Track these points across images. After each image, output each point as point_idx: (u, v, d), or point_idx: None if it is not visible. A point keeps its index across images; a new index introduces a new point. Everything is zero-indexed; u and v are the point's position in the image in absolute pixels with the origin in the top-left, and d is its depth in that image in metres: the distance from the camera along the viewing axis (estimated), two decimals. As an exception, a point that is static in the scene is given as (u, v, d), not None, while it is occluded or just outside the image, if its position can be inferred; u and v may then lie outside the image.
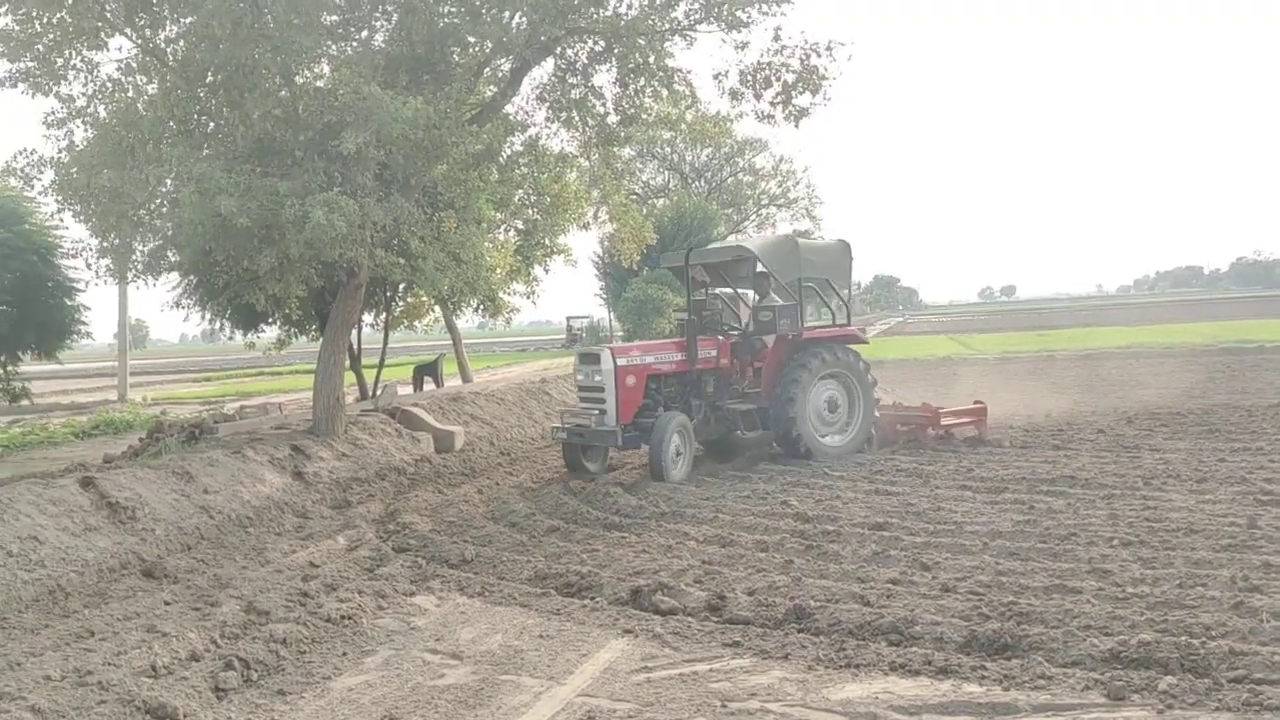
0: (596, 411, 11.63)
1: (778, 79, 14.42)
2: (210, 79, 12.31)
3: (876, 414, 13.05)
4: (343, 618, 6.57)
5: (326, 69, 13.47)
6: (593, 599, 6.82)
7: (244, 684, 5.48)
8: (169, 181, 11.34)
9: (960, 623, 5.70)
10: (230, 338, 18.52)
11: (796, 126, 14.60)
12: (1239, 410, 14.65)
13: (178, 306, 15.41)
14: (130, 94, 13.14)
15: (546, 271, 19.79)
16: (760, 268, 13.30)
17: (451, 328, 23.25)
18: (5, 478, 9.92)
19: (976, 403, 13.74)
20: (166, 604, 7.15)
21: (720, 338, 12.75)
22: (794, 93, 14.40)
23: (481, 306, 19.24)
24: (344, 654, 6.00)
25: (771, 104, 14.65)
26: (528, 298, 19.89)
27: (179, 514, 9.41)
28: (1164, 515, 8.10)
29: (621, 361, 11.66)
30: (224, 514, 9.84)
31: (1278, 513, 7.99)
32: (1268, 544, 7.04)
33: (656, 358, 12.08)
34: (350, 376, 15.69)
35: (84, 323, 15.13)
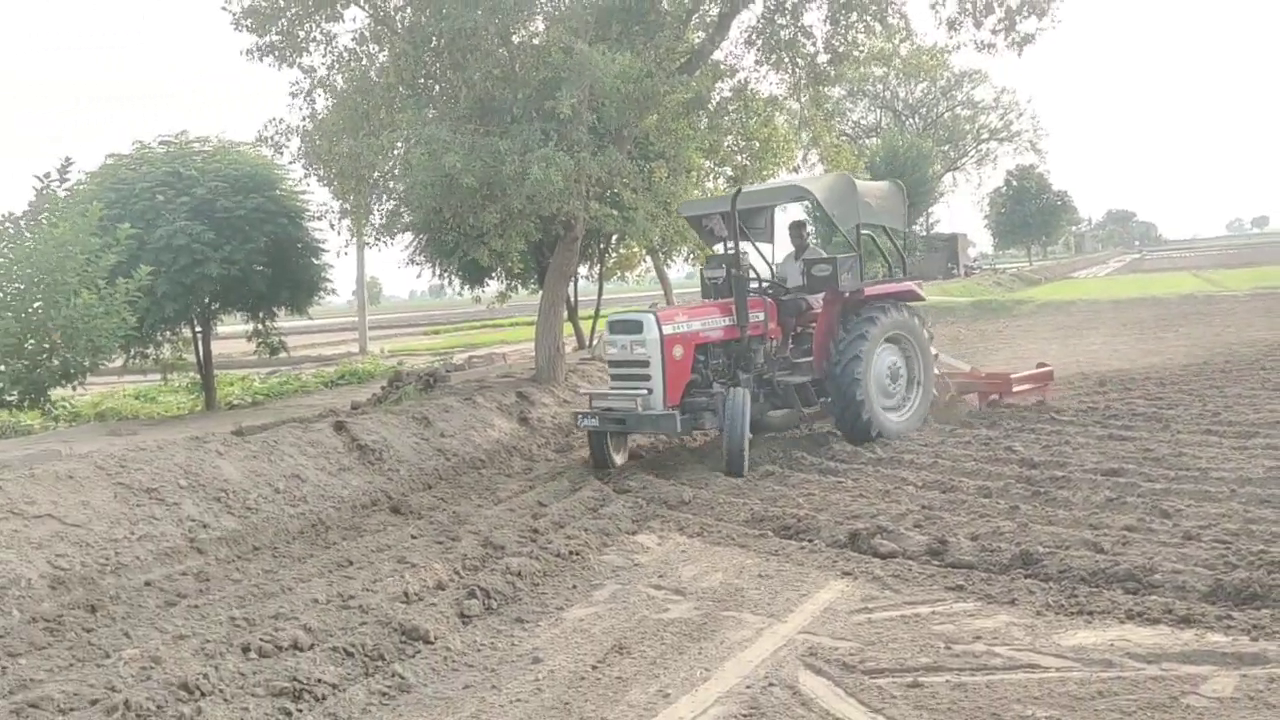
0: (643, 391, 9.59)
1: (1000, 4, 13.74)
2: (434, 43, 12.91)
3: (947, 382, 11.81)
4: (570, 553, 6.92)
5: (541, 26, 13.85)
6: (810, 541, 6.87)
7: (485, 611, 5.89)
8: (400, 144, 12.01)
9: (1204, 571, 5.40)
10: (459, 293, 19.55)
11: (1020, 55, 13.86)
12: None
13: (411, 264, 16.44)
14: (364, 63, 13.99)
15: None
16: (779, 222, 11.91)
17: (662, 277, 23.58)
18: (270, 422, 10.92)
19: (1041, 365, 12.74)
20: (413, 538, 7.75)
21: (766, 299, 10.78)
22: (1018, 17, 13.68)
23: (692, 255, 19.44)
24: (574, 587, 6.34)
25: (993, 31, 13.99)
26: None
27: (419, 456, 10.12)
28: None
29: (668, 329, 9.70)
30: (458, 456, 10.50)
31: None
32: None
33: (704, 323, 10.10)
34: (568, 327, 16.27)
35: (329, 280, 16.33)
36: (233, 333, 19.87)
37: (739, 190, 10.68)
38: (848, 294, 10.56)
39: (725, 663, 4.93)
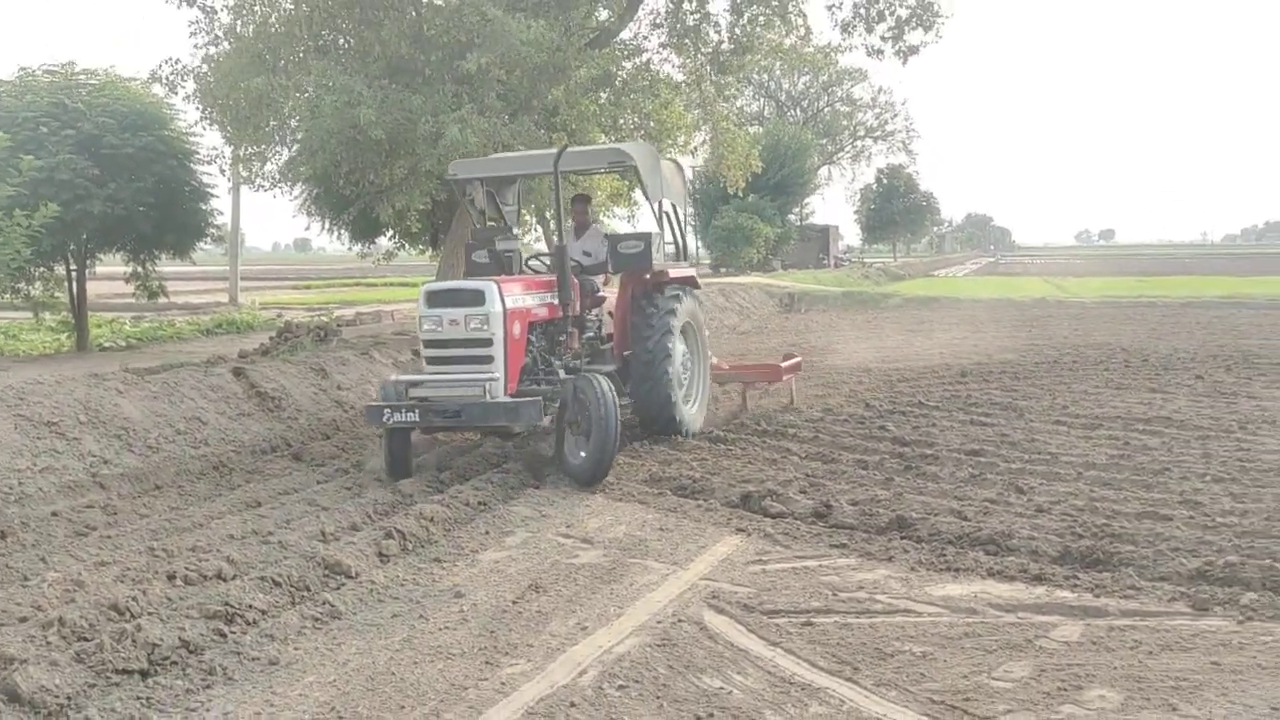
0: (486, 376, 7.90)
1: (891, 13, 14.52)
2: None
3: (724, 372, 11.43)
4: (479, 503, 7.25)
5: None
6: (706, 500, 7.39)
7: (403, 551, 6.18)
8: (310, 89, 11.94)
9: (1055, 539, 6.12)
10: (348, 248, 19.40)
11: (904, 64, 14.68)
12: (1343, 364, 14.53)
13: (304, 214, 16.29)
14: (267, 8, 13.79)
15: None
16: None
17: (550, 246, 23.91)
18: (154, 366, 10.80)
19: (789, 356, 12.02)
20: (319, 483, 7.94)
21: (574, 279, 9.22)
22: (906, 28, 14.50)
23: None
24: (486, 533, 6.68)
25: (883, 38, 14.78)
26: (629, 220, 20.39)
27: (318, 406, 10.24)
28: (1257, 456, 8.34)
29: (510, 302, 8.17)
30: (356, 409, 10.63)
31: (1372, 460, 8.17)
32: (1359, 487, 7.28)
33: (537, 299, 8.68)
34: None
35: (216, 226, 16.04)
36: (109, 273, 19.24)
37: (564, 148, 9.07)
38: (649, 275, 9.52)
39: (635, 602, 5.38)
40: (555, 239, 8.92)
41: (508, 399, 7.88)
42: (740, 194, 25.12)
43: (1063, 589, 5.45)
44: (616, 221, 20.57)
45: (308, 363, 11.00)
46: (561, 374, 8.56)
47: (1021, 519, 6.68)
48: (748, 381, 11.62)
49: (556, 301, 8.84)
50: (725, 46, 14.78)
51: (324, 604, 5.21)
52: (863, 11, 14.88)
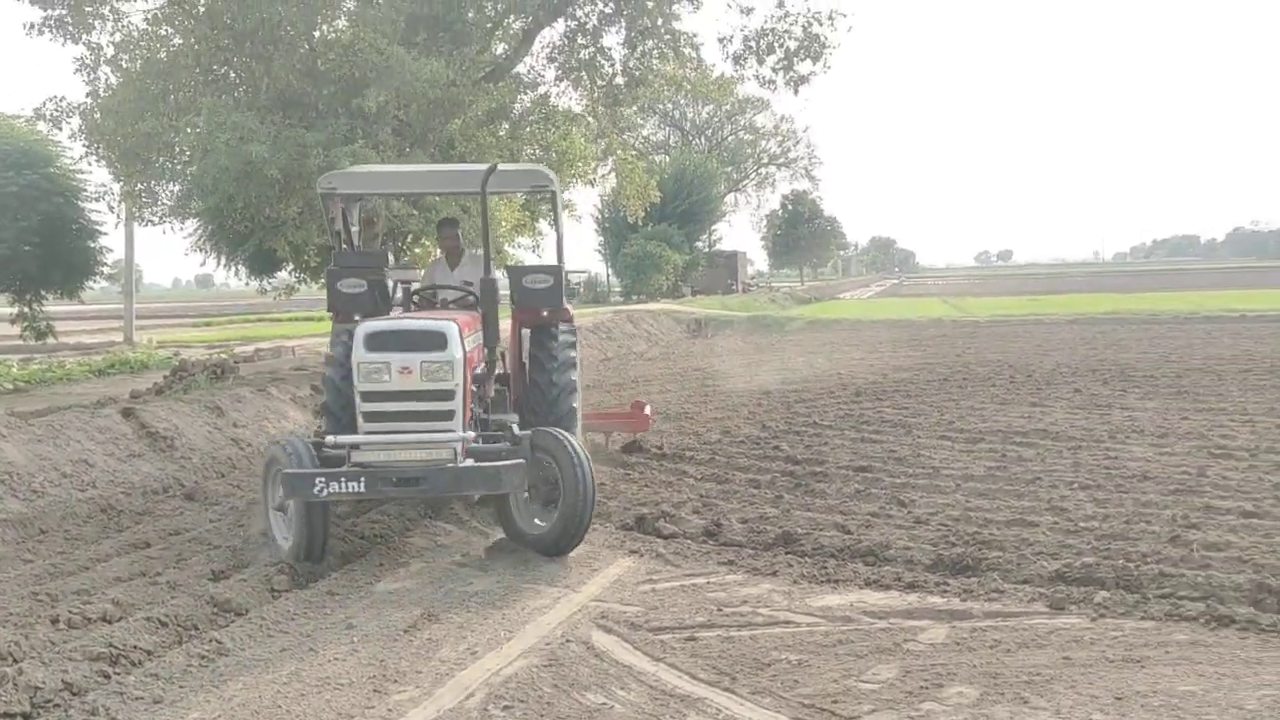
0: (448, 438, 6.61)
1: (780, 45, 15.02)
2: (234, 29, 12.78)
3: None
4: (376, 536, 7.28)
5: (344, 24, 13.98)
6: (602, 524, 7.53)
7: (295, 586, 6.19)
8: (201, 124, 11.84)
9: (929, 548, 6.44)
10: (246, 284, 19.13)
11: (796, 93, 15.17)
12: (1210, 374, 15.37)
13: (197, 250, 16.05)
14: (156, 45, 13.65)
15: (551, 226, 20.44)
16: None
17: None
18: (42, 409, 10.55)
19: (637, 404, 10.92)
20: (212, 522, 7.87)
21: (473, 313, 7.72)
22: (795, 60, 15.00)
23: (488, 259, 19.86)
24: (381, 564, 6.72)
25: (773, 70, 15.27)
26: (533, 250, 20.51)
27: (213, 444, 10.12)
28: (1123, 464, 8.85)
29: (469, 344, 7.07)
30: (253, 446, 10.54)
31: (1227, 464, 8.73)
32: (1212, 490, 7.78)
33: (472, 341, 7.29)
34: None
35: (106, 264, 15.73)
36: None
37: (494, 167, 7.60)
38: (547, 313, 8.27)
39: (526, 625, 5.49)
40: (483, 268, 7.64)
41: (487, 463, 6.62)
42: (641, 223, 25.51)
43: (933, 595, 5.75)
44: (522, 252, 20.67)
45: (202, 401, 10.85)
46: (515, 429, 7.13)
47: (900, 530, 6.99)
48: (608, 430, 10.67)
49: (482, 343, 7.50)
50: (619, 80, 15.09)
51: (211, 642, 5.20)
52: (753, 44, 15.34)
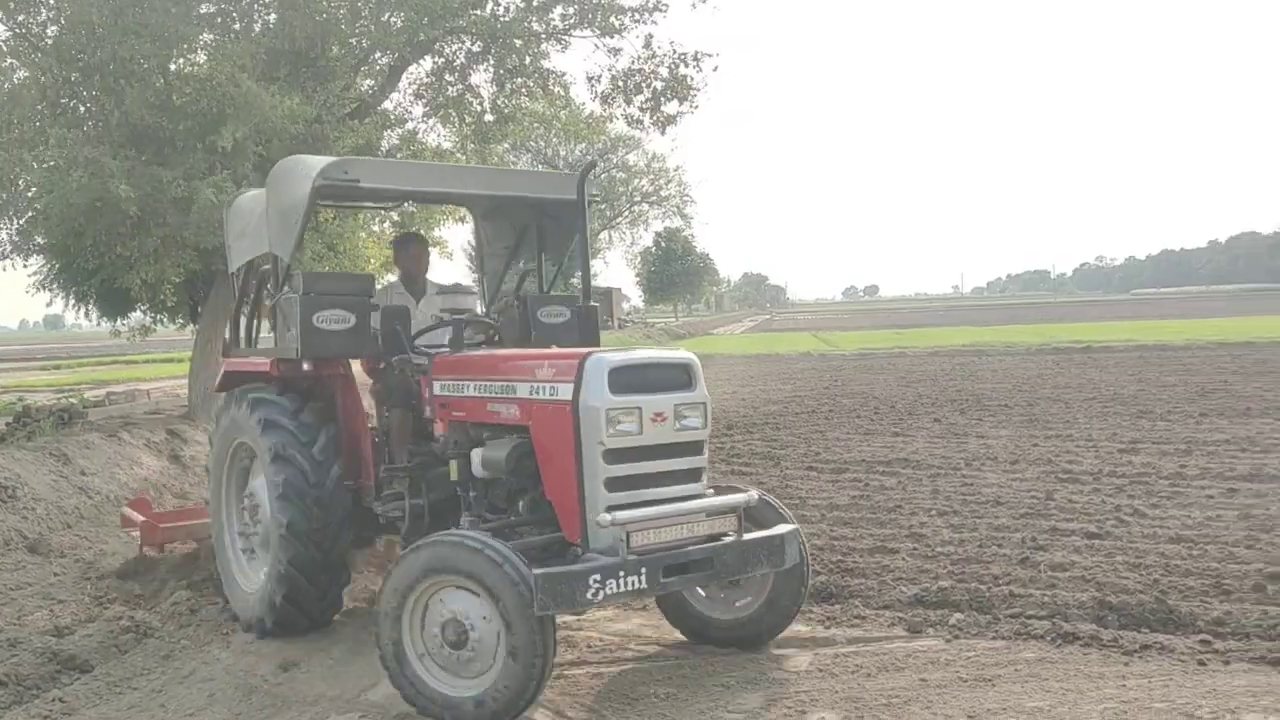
0: (706, 506, 5.23)
1: (648, 86, 15.25)
2: (84, 63, 12.30)
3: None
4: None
5: (203, 58, 13.60)
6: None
7: (146, 638, 5.91)
8: (50, 158, 11.29)
9: (795, 577, 6.57)
10: (97, 324, 18.27)
11: (663, 133, 15.42)
12: (1059, 403, 16.18)
13: (42, 289, 15.25)
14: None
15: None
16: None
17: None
18: None
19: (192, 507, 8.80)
20: (56, 575, 7.47)
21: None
22: (663, 100, 15.26)
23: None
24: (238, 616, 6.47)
25: (641, 109, 15.49)
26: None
27: (58, 494, 9.60)
28: (977, 490, 9.23)
29: None
30: (102, 494, 10.05)
31: (1072, 488, 9.19)
32: (1058, 513, 8.18)
33: None
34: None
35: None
36: None
37: (593, 164, 6.34)
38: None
39: (392, 671, 5.36)
40: (582, 295, 6.34)
41: (765, 532, 5.31)
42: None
43: (798, 623, 5.84)
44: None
45: (47, 448, 10.31)
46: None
47: (768, 561, 7.11)
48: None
49: None
50: (489, 117, 15.08)
51: (54, 700, 4.93)
52: (621, 84, 15.54)
